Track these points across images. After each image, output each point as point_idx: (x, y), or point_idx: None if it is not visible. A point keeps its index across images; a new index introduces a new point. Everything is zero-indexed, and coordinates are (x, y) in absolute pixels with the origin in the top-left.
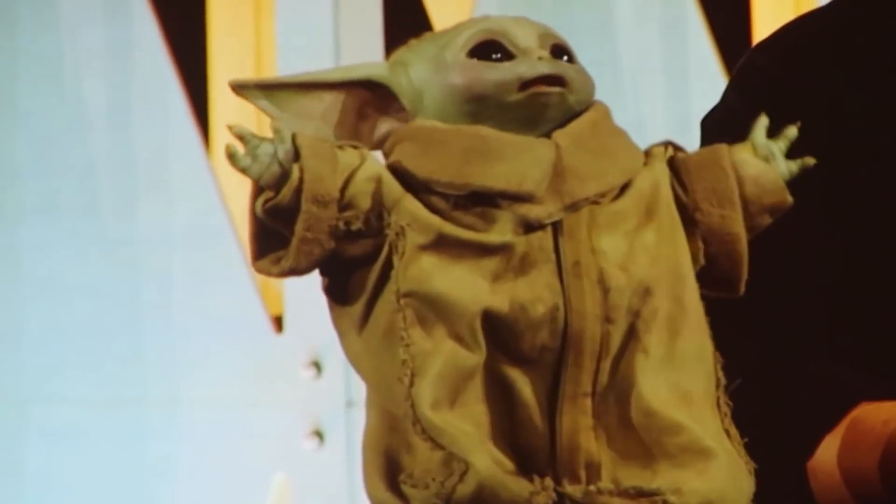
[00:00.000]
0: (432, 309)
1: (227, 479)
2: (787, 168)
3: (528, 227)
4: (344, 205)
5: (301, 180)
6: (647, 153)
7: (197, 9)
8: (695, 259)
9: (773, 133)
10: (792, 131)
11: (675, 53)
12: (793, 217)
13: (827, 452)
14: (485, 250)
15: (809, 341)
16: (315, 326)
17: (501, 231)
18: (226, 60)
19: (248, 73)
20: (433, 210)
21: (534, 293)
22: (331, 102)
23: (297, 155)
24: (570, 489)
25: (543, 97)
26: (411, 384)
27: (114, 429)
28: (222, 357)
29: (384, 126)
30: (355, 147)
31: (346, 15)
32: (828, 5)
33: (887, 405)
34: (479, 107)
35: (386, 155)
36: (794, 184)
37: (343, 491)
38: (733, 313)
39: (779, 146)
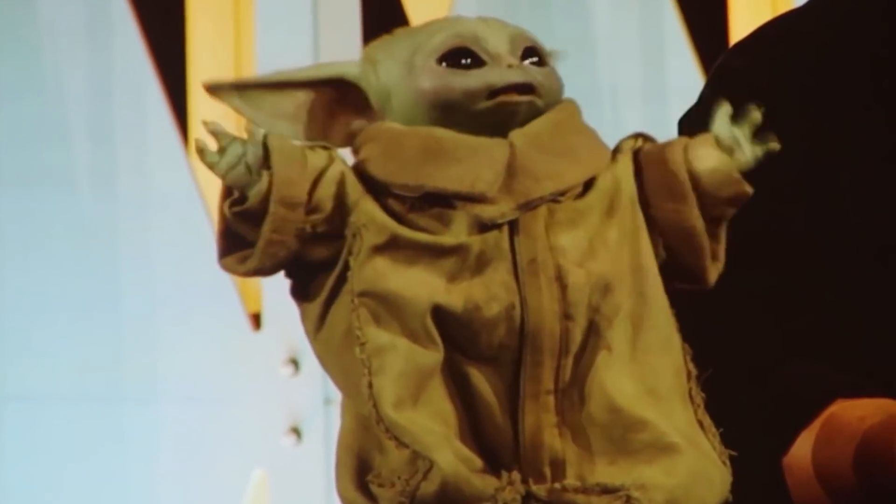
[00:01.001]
0: (386, 308)
1: (205, 476)
2: (752, 154)
3: (483, 227)
4: (311, 207)
5: (270, 183)
6: (618, 147)
7: (176, 7)
8: (656, 253)
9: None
10: (755, 115)
11: (652, 55)
12: (772, 215)
13: (802, 448)
14: (440, 251)
15: (789, 338)
16: (293, 324)
17: (457, 232)
18: (205, 58)
19: (226, 70)
20: (391, 211)
21: (489, 292)
22: (302, 101)
23: (267, 157)
24: (535, 488)
25: (512, 105)
26: (370, 384)
27: (92, 425)
28: (201, 354)
29: (355, 125)
30: (325, 147)
31: (325, 15)
32: (806, 5)
33: (864, 402)
34: (447, 113)
35: (354, 155)
36: (772, 182)
37: (321, 487)
38: (713, 308)
39: (743, 132)
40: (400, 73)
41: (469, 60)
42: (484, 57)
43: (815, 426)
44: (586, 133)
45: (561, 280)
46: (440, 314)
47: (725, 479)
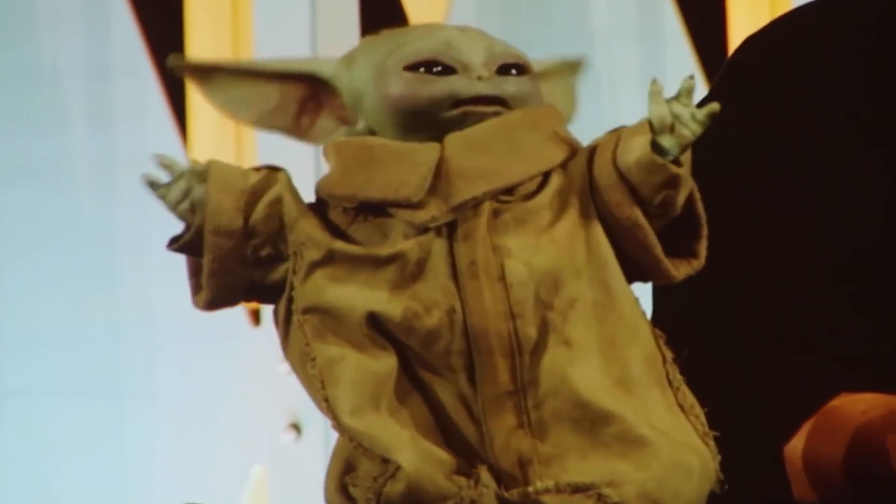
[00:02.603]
0: (328, 321)
1: (204, 472)
2: (696, 123)
3: (419, 232)
4: (248, 233)
5: (203, 214)
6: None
7: (175, 4)
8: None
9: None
10: (688, 83)
11: (650, 50)
12: (781, 209)
13: (798, 440)
14: (377, 262)
15: (794, 333)
16: None
17: (393, 241)
18: (203, 47)
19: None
20: (335, 225)
21: (430, 298)
22: (272, 92)
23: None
24: (507, 494)
25: (476, 116)
26: (326, 398)
27: (91, 421)
28: (200, 350)
29: (323, 122)
30: (272, 169)
31: (324, 15)
32: (817, 1)
33: (868, 396)
34: (413, 120)
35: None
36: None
37: (320, 484)
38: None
39: (682, 103)
40: (371, 77)
41: (440, 69)
42: (455, 66)
43: (815, 418)
44: (542, 130)
45: (504, 280)
46: (381, 323)
47: (707, 463)
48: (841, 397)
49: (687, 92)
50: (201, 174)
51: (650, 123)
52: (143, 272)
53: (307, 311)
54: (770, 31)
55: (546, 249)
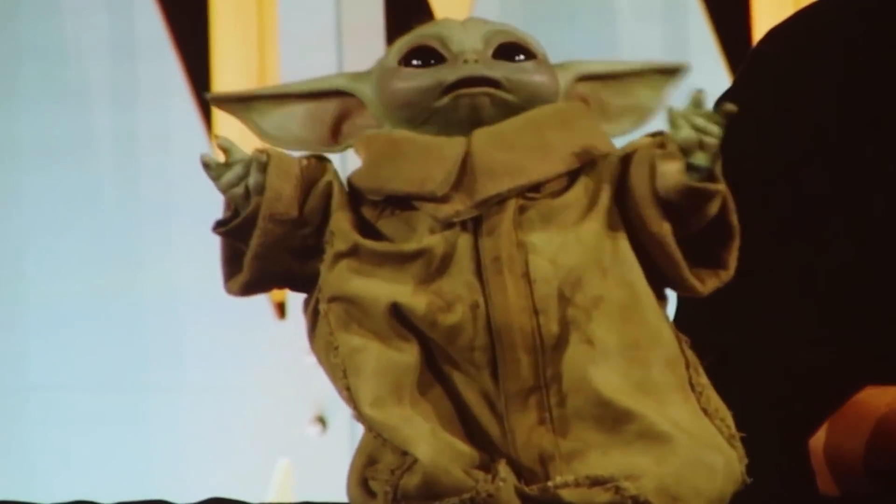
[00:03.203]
0: (352, 311)
1: (230, 465)
2: (717, 129)
3: (444, 227)
4: (301, 222)
5: (260, 201)
6: (629, 144)
7: None
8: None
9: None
10: (697, 96)
11: (677, 51)
12: (802, 199)
13: (822, 434)
14: (403, 258)
15: (823, 325)
16: None
17: (419, 236)
18: (228, 43)
19: (250, 50)
20: (364, 219)
21: (453, 293)
22: (309, 111)
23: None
24: (527, 488)
25: (467, 98)
26: (348, 387)
27: (117, 415)
28: (225, 343)
29: (356, 134)
30: (321, 159)
31: (349, 6)
32: None
33: (893, 389)
34: (412, 113)
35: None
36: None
37: (345, 477)
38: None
39: (698, 114)
40: (377, 78)
41: (433, 60)
42: (445, 54)
43: (841, 411)
44: (572, 129)
45: (528, 276)
46: (404, 315)
47: (732, 464)
48: (866, 390)
49: (697, 103)
50: (260, 162)
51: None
52: (167, 266)
53: (332, 299)
54: (795, 21)
55: (572, 247)
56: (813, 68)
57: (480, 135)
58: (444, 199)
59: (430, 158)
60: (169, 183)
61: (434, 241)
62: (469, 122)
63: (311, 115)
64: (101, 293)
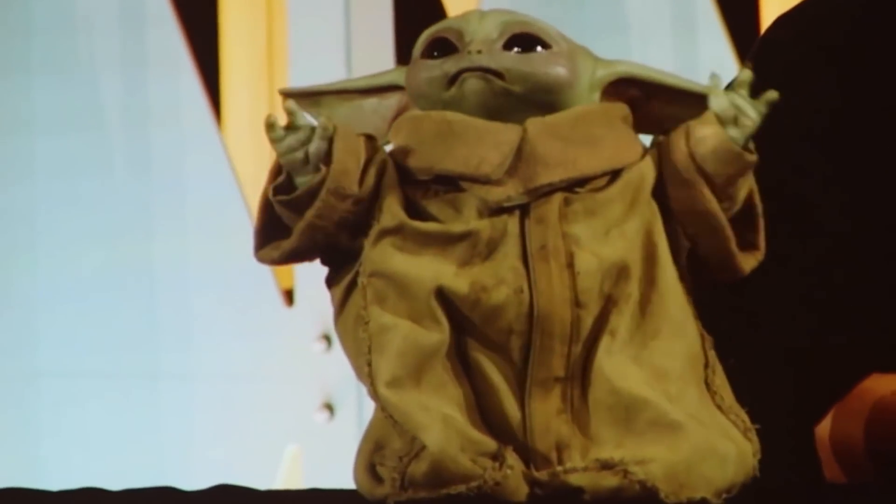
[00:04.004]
0: (392, 288)
1: (239, 452)
2: (756, 113)
3: (493, 212)
4: (360, 198)
5: (325, 173)
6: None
7: None
8: (678, 242)
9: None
10: (744, 73)
11: (684, 33)
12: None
13: (827, 421)
14: (449, 239)
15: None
16: (326, 300)
17: (465, 217)
18: (237, 37)
19: (259, 49)
20: (410, 198)
21: (497, 276)
22: (371, 107)
23: (328, 153)
24: (537, 473)
25: (472, 85)
26: (369, 363)
27: (126, 402)
28: (234, 330)
29: None
30: (369, 137)
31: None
32: None
33: None
34: (428, 104)
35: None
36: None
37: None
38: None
39: (741, 95)
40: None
41: (447, 50)
42: (458, 46)
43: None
44: (618, 128)
45: (573, 267)
46: (447, 296)
47: (746, 456)
48: (871, 377)
49: (742, 83)
50: (326, 130)
51: (715, 115)
52: (178, 254)
53: (373, 274)
54: (803, 8)
55: (616, 242)
56: (819, 55)
57: (535, 123)
58: (496, 183)
59: (487, 142)
60: (181, 173)
61: (481, 225)
62: (481, 112)
63: (374, 111)
64: (113, 281)
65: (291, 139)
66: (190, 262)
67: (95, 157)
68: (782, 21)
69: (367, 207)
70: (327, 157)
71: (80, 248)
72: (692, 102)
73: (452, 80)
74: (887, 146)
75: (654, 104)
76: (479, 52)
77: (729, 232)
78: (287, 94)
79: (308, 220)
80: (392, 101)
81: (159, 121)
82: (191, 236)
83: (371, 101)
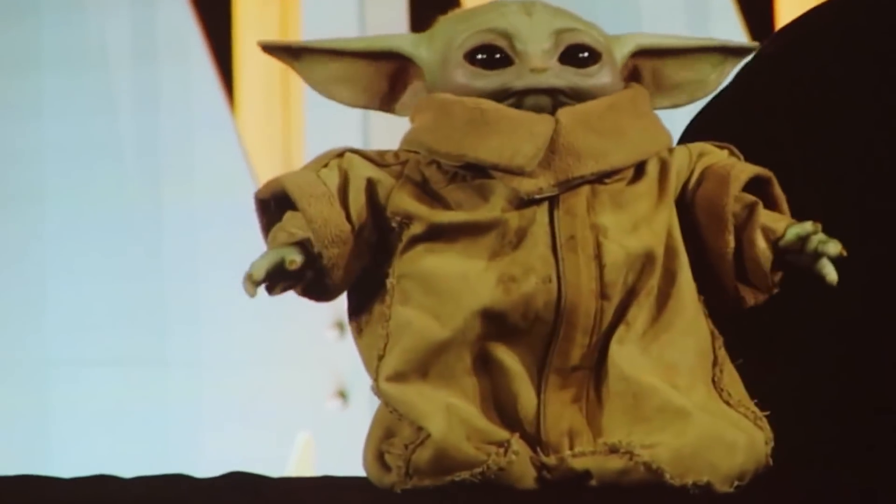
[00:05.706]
0: (417, 286)
1: (251, 439)
2: (817, 259)
3: (522, 202)
4: (357, 230)
5: (309, 239)
6: (698, 147)
7: None
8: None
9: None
10: (838, 247)
11: (697, 21)
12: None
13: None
14: (478, 228)
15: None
16: None
17: (493, 206)
18: (250, 17)
19: (272, 28)
20: (433, 182)
21: (527, 265)
22: (360, 69)
23: (301, 244)
24: (545, 458)
25: (533, 100)
26: (381, 356)
27: (137, 390)
28: (247, 318)
29: (410, 95)
30: (338, 155)
31: None
32: None
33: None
34: (462, 94)
35: (411, 123)
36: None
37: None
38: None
39: (820, 239)
40: (440, 60)
41: (498, 56)
42: (512, 55)
43: None
44: (643, 116)
45: (600, 259)
46: (472, 288)
47: (756, 444)
48: None
49: (827, 245)
50: (289, 242)
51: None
52: (188, 241)
53: (402, 276)
54: (801, 23)
55: (643, 235)
56: (820, 72)
57: (566, 114)
58: (529, 175)
59: (521, 133)
60: (193, 163)
61: (510, 215)
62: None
63: (369, 74)
64: (123, 268)
65: (266, 263)
66: (200, 249)
67: (104, 142)
68: (776, 35)
69: (373, 227)
70: (303, 248)
71: (89, 236)
72: (704, 64)
73: (512, 94)
74: (874, 164)
75: (667, 71)
76: (544, 70)
77: (731, 279)
78: (266, 47)
79: (332, 276)
80: (386, 67)
81: (169, 104)
82: (201, 223)
83: (362, 65)
